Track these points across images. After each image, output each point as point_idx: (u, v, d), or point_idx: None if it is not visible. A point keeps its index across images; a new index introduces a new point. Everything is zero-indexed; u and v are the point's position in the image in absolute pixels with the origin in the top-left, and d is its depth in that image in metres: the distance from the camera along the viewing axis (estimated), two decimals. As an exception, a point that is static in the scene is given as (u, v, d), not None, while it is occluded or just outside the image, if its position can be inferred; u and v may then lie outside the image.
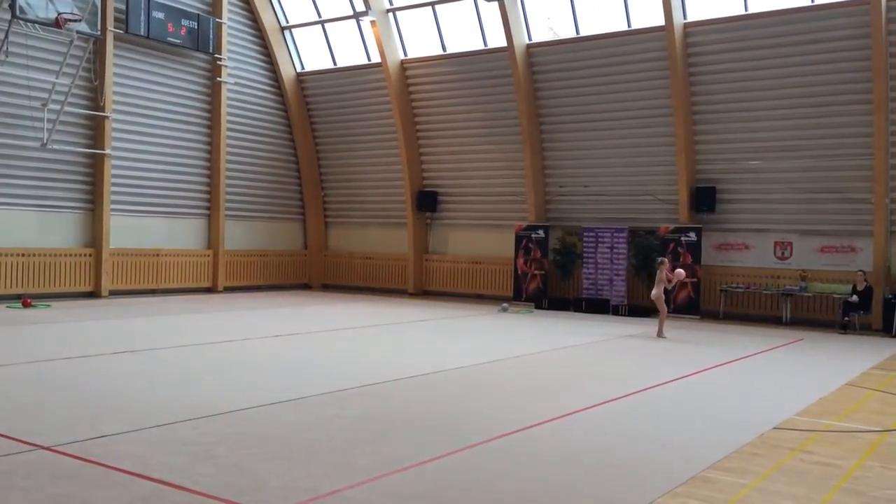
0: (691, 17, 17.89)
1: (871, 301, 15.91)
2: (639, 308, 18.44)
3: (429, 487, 5.37)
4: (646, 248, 18.59)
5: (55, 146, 17.80)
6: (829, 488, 5.57)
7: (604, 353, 12.36)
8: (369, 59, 22.51)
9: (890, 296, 15.86)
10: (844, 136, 16.68)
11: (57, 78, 17.35)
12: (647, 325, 16.22)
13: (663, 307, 14.34)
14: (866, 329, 16.00)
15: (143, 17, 19.15)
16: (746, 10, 17.45)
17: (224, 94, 21.52)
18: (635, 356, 12.09)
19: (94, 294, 18.70)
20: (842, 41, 16.44)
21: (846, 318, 15.91)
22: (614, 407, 8.12)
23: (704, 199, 17.98)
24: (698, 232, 17.93)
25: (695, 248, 17.88)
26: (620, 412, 7.90)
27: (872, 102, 15.98)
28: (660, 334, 14.08)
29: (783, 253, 17.52)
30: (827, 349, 13.43)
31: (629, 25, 18.69)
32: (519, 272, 20.24)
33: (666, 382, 9.62)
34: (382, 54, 21.41)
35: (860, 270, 16.02)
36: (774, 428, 7.32)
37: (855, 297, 15.80)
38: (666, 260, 14.74)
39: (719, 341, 13.99)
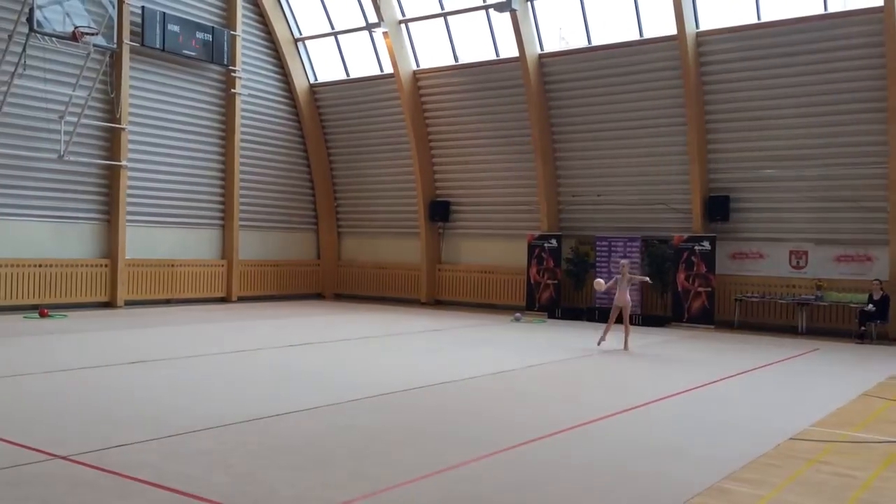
0: (704, 27, 17.88)
1: (888, 310, 15.77)
2: (652, 317, 18.38)
3: (442, 498, 5.37)
4: (659, 258, 18.54)
5: (72, 158, 17.98)
6: (846, 499, 5.52)
7: (618, 362, 12.31)
8: (382, 70, 22.63)
9: (907, 305, 15.75)
10: (859, 144, 16.60)
11: (74, 91, 17.54)
12: (662, 335, 16.16)
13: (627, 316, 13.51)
14: (883, 338, 15.85)
15: (158, 31, 19.35)
16: (759, 18, 17.42)
17: (238, 105, 21.68)
18: (649, 366, 12.03)
19: (109, 304, 18.84)
20: (855, 49, 16.38)
21: (863, 328, 15.78)
22: (629, 417, 8.09)
23: (718, 208, 17.92)
24: (712, 241, 17.86)
25: (709, 258, 17.81)
26: (635, 422, 7.87)
27: (887, 110, 15.89)
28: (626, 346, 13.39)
29: (798, 262, 17.42)
30: (843, 359, 13.32)
31: (641, 35, 18.70)
32: (532, 282, 20.22)
33: (681, 392, 9.57)
34: (395, 65, 21.52)
35: (876, 279, 15.90)
36: (791, 438, 7.27)
37: (871, 307, 15.67)
38: (627, 262, 13.95)
39: (734, 351, 13.91)
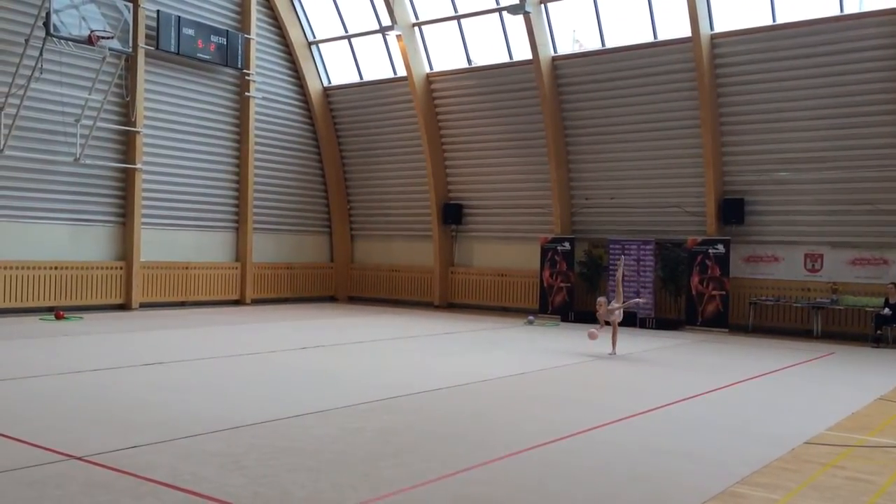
0: (718, 29, 17.81)
1: (905, 314, 15.65)
2: (666, 321, 18.31)
3: (454, 500, 5.37)
4: (673, 261, 18.47)
5: (88, 161, 18.13)
6: (862, 504, 5.48)
7: (630, 366, 12.26)
8: (395, 73, 22.68)
9: (924, 309, 15.59)
10: (875, 146, 16.47)
11: (89, 94, 17.69)
12: (676, 338, 16.10)
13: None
14: (900, 342, 15.74)
15: (173, 34, 19.48)
16: (774, 20, 17.33)
17: (252, 108, 21.78)
18: (662, 369, 11.99)
19: (124, 306, 18.96)
20: (871, 51, 16.27)
21: (879, 332, 15.66)
22: (642, 420, 8.07)
23: (732, 210, 17.83)
24: (726, 244, 17.77)
25: (723, 261, 17.71)
26: (648, 426, 7.84)
27: (904, 112, 15.79)
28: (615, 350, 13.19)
29: (813, 265, 17.30)
30: (859, 363, 13.21)
31: (655, 37, 18.64)
32: (545, 285, 20.19)
33: (694, 396, 9.53)
34: (408, 68, 21.57)
35: (892, 283, 15.76)
36: (806, 443, 7.22)
37: (887, 310, 15.54)
38: (603, 299, 13.48)
39: (749, 355, 13.82)
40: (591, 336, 12.83)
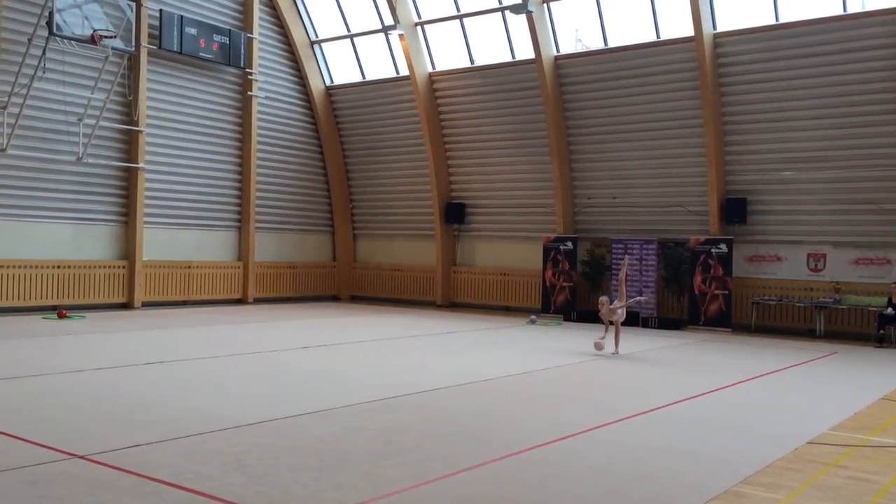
0: (721, 28, 17.79)
1: (908, 314, 15.62)
2: (668, 320, 18.29)
3: (457, 499, 5.37)
4: (676, 261, 18.45)
5: (90, 160, 18.15)
6: (865, 504, 5.48)
7: (632, 365, 12.26)
8: (398, 72, 22.68)
9: (927, 308, 15.57)
10: (878, 146, 16.44)
11: (92, 93, 17.70)
12: (678, 338, 16.09)
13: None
14: (903, 342, 15.70)
15: (175, 34, 19.50)
16: (777, 19, 17.31)
17: (255, 107, 21.80)
18: (665, 369, 11.98)
19: (127, 305, 18.99)
20: (874, 50, 16.24)
21: (882, 331, 15.64)
22: (644, 420, 8.06)
23: (735, 210, 17.81)
24: (729, 244, 17.75)
25: (726, 260, 17.69)
26: (650, 425, 7.83)
27: (907, 112, 15.76)
28: (617, 349, 13.20)
29: (816, 265, 17.27)
30: (862, 363, 13.19)
31: (658, 36, 18.62)
32: (547, 284, 20.18)
33: (697, 396, 9.52)
34: (411, 67, 21.56)
35: (895, 282, 15.74)
36: (808, 442, 7.22)
37: (890, 310, 15.51)
38: (605, 298, 13.56)
39: (751, 354, 13.81)
40: (598, 346, 12.95)
